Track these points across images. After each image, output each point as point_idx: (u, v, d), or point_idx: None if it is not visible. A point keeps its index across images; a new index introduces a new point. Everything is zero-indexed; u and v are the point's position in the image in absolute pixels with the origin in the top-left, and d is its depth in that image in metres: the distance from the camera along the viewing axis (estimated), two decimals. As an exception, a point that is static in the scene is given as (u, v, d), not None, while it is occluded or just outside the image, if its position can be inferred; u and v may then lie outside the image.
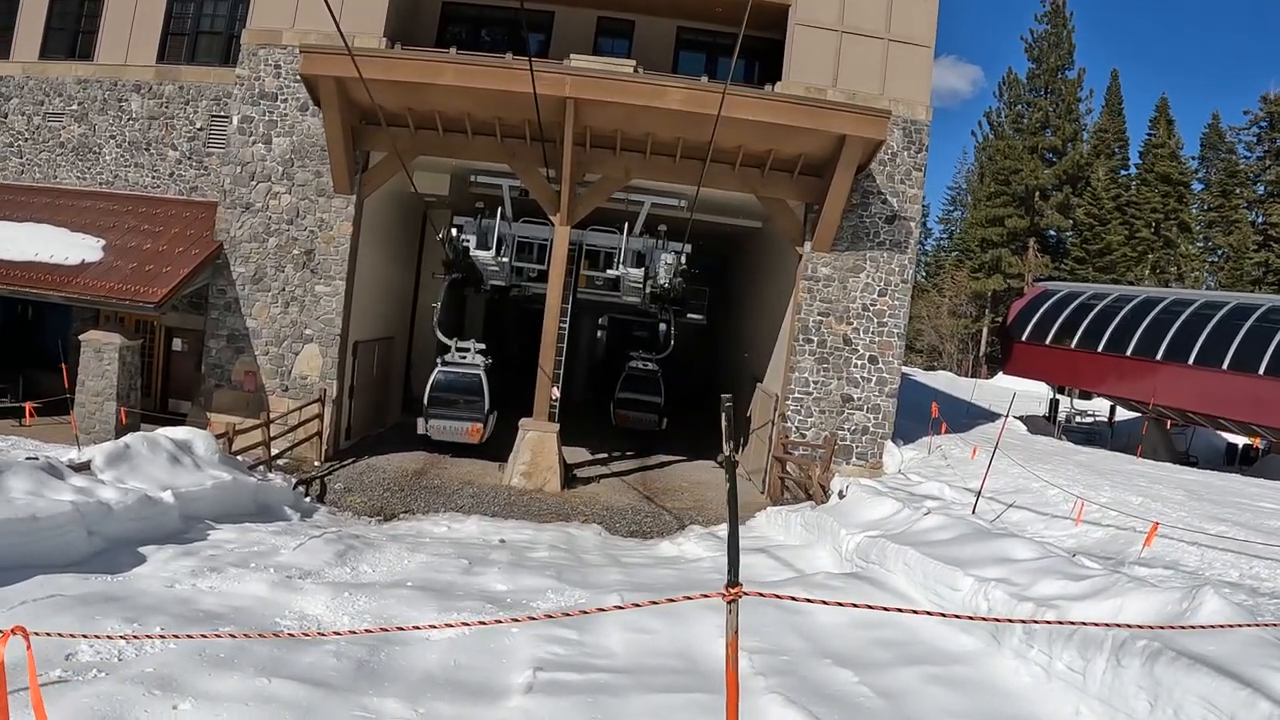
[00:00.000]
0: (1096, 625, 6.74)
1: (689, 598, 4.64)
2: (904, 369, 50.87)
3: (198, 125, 22.64)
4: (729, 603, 3.41)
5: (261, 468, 17.06)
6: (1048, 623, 7.89)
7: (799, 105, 18.13)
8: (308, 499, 17.22)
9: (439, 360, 21.60)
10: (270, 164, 20.24)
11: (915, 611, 5.62)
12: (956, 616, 6.92)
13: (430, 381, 21.17)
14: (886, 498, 13.65)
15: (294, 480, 17.61)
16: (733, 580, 3.42)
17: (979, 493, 15.04)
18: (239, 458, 16.26)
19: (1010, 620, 8.15)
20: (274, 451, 18.10)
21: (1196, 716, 6.43)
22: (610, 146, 19.22)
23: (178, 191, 22.69)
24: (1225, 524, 14.55)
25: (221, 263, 20.39)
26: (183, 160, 22.72)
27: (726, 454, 3.67)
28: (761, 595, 4.41)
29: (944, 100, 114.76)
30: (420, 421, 21.08)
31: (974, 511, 14.22)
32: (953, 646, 9.02)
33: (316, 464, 19.52)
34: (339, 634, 7.87)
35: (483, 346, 21.96)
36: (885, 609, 5.02)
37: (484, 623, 8.16)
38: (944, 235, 78.83)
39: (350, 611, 9.16)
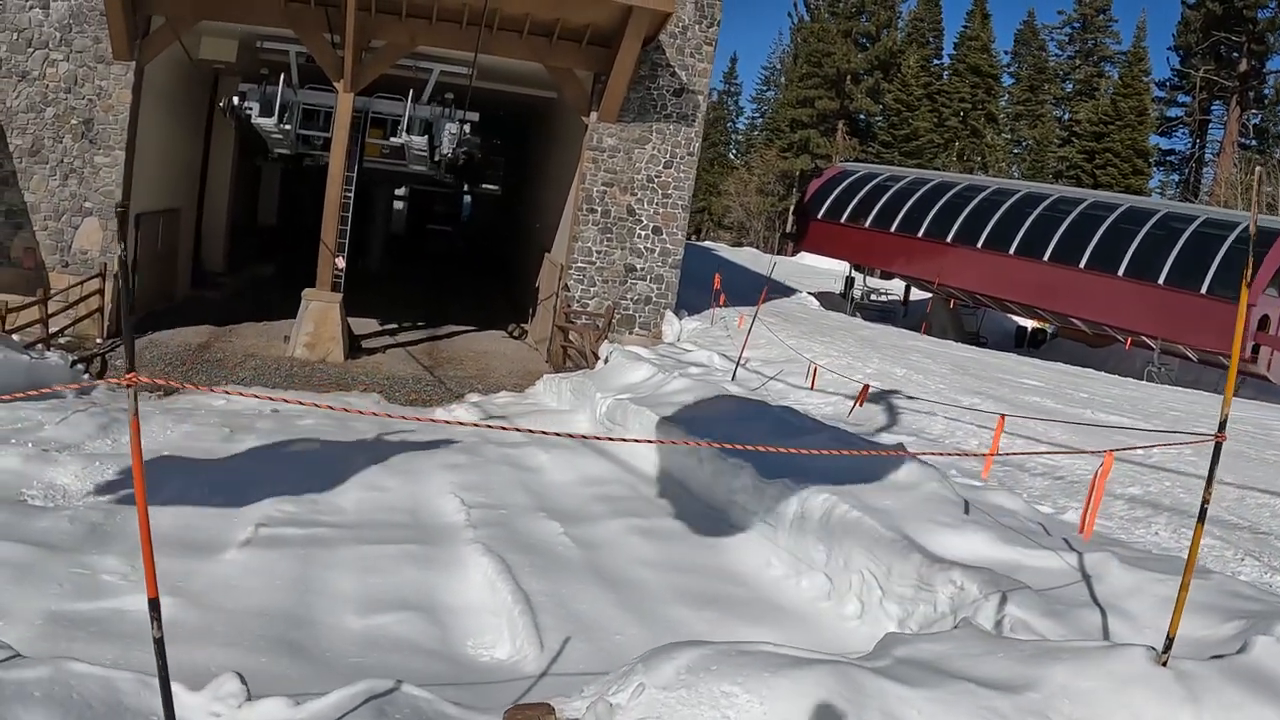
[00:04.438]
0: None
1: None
2: (710, 245, 51.71)
3: (-34, -12, 20.89)
4: (126, 387, 3.43)
5: (40, 346, 16.56)
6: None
7: (584, -29, 17.99)
8: (86, 376, 16.81)
9: None
10: (48, 30, 18.90)
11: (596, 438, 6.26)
12: (638, 441, 7.66)
13: None
14: (645, 363, 14.32)
15: (72, 358, 17.18)
16: (129, 368, 3.53)
17: (738, 361, 15.87)
18: (14, 336, 15.74)
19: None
20: (53, 329, 17.58)
21: (862, 565, 7.32)
22: (396, 12, 18.73)
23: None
24: (979, 396, 15.19)
25: (-2, 136, 19.24)
26: (-49, 27, 20.99)
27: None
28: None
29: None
30: None
31: (734, 378, 15.07)
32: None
33: (99, 341, 19.05)
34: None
35: None
36: (554, 434, 5.62)
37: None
38: (757, 115, 78.79)
39: (98, 480, 9.33)
